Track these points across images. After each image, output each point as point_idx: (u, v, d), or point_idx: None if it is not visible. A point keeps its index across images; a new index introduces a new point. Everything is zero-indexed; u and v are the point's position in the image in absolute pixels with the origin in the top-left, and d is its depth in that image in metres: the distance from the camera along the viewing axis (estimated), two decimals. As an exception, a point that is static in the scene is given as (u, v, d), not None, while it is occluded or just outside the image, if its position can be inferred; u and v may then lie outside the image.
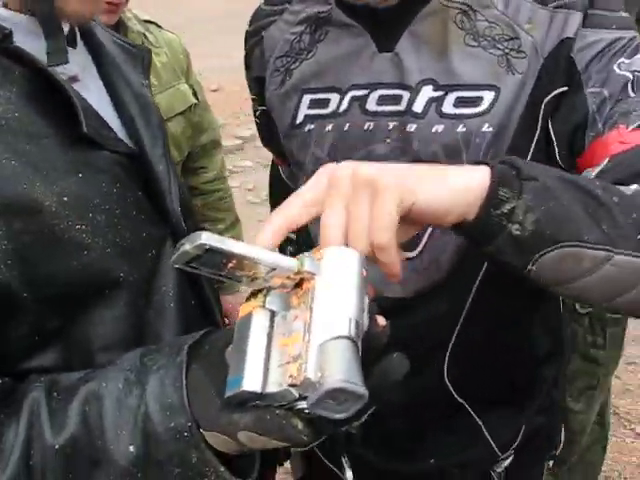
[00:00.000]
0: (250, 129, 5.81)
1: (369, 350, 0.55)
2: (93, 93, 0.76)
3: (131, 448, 0.59)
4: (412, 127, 0.87)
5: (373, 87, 0.89)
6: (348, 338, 0.53)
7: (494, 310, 0.90)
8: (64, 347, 0.69)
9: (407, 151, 0.88)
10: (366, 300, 0.57)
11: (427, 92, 0.87)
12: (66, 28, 0.74)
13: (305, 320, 0.55)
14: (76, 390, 0.62)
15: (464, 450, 1.01)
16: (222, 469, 0.59)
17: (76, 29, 0.78)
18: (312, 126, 0.93)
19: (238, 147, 5.55)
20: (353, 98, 0.90)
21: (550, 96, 0.85)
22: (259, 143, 1.18)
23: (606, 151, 0.78)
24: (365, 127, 0.89)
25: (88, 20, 0.76)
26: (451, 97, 0.86)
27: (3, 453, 0.59)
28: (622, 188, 0.66)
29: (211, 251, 0.55)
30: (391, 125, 0.88)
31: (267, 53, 0.99)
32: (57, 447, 0.59)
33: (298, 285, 0.58)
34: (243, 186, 4.85)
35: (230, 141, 5.44)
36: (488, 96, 0.85)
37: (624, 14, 0.87)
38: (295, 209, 0.58)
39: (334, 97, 0.92)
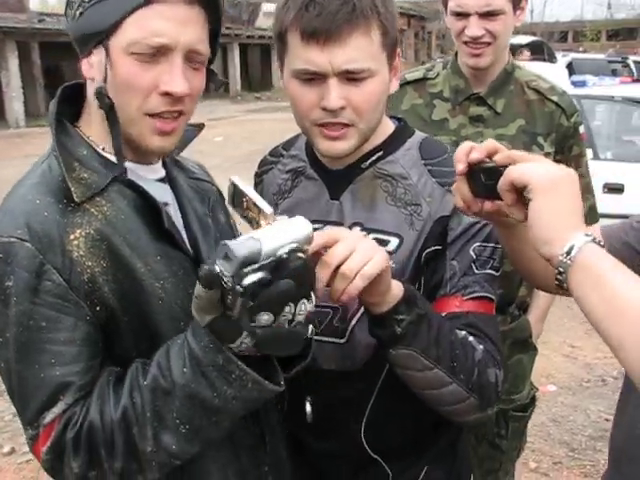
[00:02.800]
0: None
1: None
2: (174, 215, 1.16)
3: (184, 369, 0.96)
4: None
5: (325, 223, 1.27)
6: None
7: (400, 385, 1.19)
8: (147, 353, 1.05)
9: None
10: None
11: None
12: (161, 173, 1.17)
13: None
14: (154, 355, 1.01)
15: None
16: (240, 363, 0.94)
17: (165, 175, 1.19)
18: None
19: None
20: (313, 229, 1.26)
21: (428, 250, 1.22)
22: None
23: (447, 308, 1.21)
24: None
25: (169, 153, 1.15)
26: (370, 237, 1.17)
27: (118, 396, 0.99)
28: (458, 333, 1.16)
29: (237, 189, 0.96)
30: None
31: (265, 189, 1.41)
32: (145, 384, 0.98)
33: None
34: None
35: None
36: (394, 241, 1.22)
37: None
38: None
39: None
